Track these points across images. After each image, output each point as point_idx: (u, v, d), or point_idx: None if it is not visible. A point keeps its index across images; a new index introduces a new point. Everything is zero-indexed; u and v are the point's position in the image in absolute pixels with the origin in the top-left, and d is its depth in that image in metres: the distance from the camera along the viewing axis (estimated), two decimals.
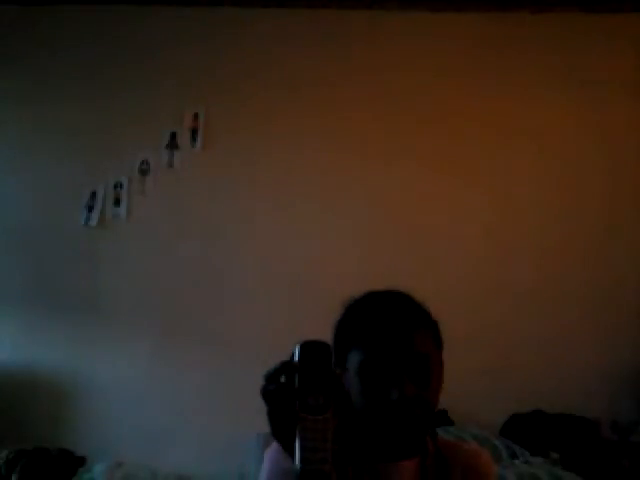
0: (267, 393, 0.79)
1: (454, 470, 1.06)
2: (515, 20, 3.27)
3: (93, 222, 3.16)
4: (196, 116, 3.22)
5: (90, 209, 3.17)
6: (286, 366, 0.78)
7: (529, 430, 2.75)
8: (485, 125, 3.24)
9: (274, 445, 1.03)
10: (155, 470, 2.67)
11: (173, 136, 3.21)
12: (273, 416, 0.80)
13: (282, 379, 0.78)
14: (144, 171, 3.20)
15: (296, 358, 0.77)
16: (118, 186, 3.19)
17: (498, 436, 2.70)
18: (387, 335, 1.00)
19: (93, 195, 3.18)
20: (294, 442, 0.74)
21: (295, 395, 0.75)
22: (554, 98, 3.24)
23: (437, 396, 1.03)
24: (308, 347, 0.77)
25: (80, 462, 2.64)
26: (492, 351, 3.01)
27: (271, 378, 0.79)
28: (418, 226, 3.16)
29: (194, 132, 3.22)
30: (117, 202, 3.18)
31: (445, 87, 3.24)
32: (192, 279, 3.13)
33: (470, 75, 3.25)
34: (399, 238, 3.14)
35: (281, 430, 0.79)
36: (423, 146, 3.22)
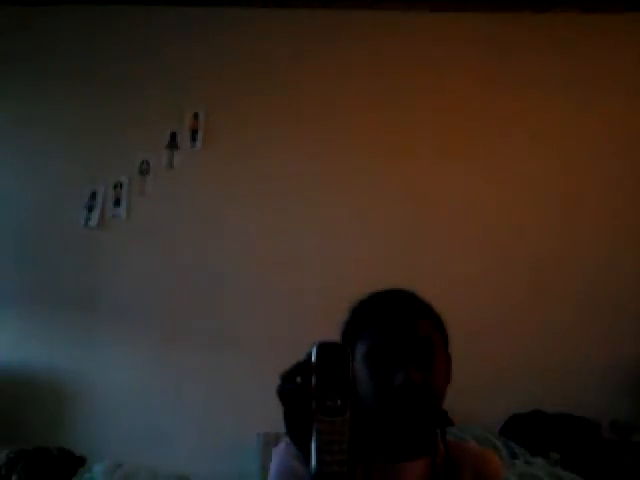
0: (284, 393, 0.78)
1: (463, 471, 1.06)
2: (515, 20, 3.27)
3: (93, 222, 3.16)
4: (196, 116, 3.22)
5: (90, 209, 3.16)
6: (303, 366, 0.77)
7: (529, 430, 2.75)
8: (486, 125, 3.24)
9: (282, 444, 1.04)
10: (155, 470, 2.67)
11: (173, 136, 3.21)
12: (289, 416, 0.79)
13: (298, 379, 0.78)
14: (144, 171, 3.20)
15: (313, 358, 0.76)
16: (118, 186, 3.19)
17: (498, 436, 2.69)
18: (391, 323, 1.03)
19: (93, 195, 3.18)
20: (310, 443, 0.74)
21: (312, 396, 0.75)
22: (554, 98, 3.24)
23: (444, 387, 1.04)
24: (326, 348, 0.76)
25: (80, 462, 2.64)
26: (492, 351, 3.00)
27: (287, 378, 0.78)
28: (419, 226, 3.16)
29: (194, 132, 3.22)
30: (117, 202, 3.18)
31: (445, 87, 3.24)
32: (192, 279, 3.13)
33: (470, 74, 3.25)
34: (400, 238, 3.14)
35: (297, 430, 0.79)
36: (423, 146, 3.21)
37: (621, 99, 3.25)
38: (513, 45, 3.27)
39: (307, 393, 0.75)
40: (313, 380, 0.75)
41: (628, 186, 3.21)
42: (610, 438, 2.80)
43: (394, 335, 1.01)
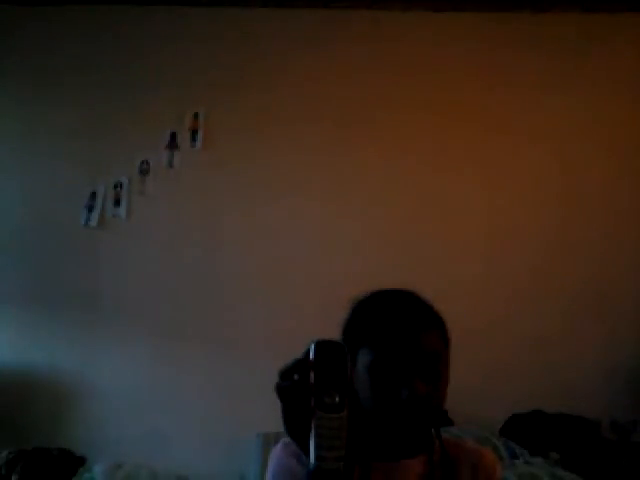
0: (282, 390, 0.78)
1: (461, 468, 1.06)
2: (515, 20, 3.27)
3: (93, 222, 3.16)
4: (196, 116, 3.22)
5: (90, 209, 3.17)
6: (301, 363, 0.77)
7: (529, 430, 2.75)
8: (485, 125, 3.24)
9: (280, 443, 1.04)
10: (155, 470, 2.67)
11: (173, 136, 3.21)
12: (288, 413, 0.79)
13: (296, 377, 0.78)
14: (144, 171, 3.20)
15: (312, 356, 0.76)
16: (118, 186, 3.19)
17: (498, 436, 2.69)
18: (397, 335, 1.00)
19: (93, 195, 3.18)
20: (308, 440, 0.74)
21: (311, 392, 0.75)
22: (554, 98, 3.24)
23: (445, 394, 1.03)
24: (324, 346, 0.77)
25: (80, 462, 2.64)
26: (492, 351, 3.01)
27: (286, 375, 0.78)
28: (417, 226, 3.16)
29: (194, 132, 3.22)
30: (117, 202, 3.18)
31: (445, 87, 3.24)
32: (192, 279, 3.13)
33: (470, 74, 3.25)
34: (399, 238, 3.14)
35: (296, 427, 0.79)
36: (423, 146, 3.22)
37: (621, 99, 3.25)
38: (513, 45, 3.27)
39: (305, 390, 0.75)
40: (311, 377, 0.75)
41: (628, 187, 3.21)
42: (610, 438, 2.80)
43: (400, 348, 0.99)
